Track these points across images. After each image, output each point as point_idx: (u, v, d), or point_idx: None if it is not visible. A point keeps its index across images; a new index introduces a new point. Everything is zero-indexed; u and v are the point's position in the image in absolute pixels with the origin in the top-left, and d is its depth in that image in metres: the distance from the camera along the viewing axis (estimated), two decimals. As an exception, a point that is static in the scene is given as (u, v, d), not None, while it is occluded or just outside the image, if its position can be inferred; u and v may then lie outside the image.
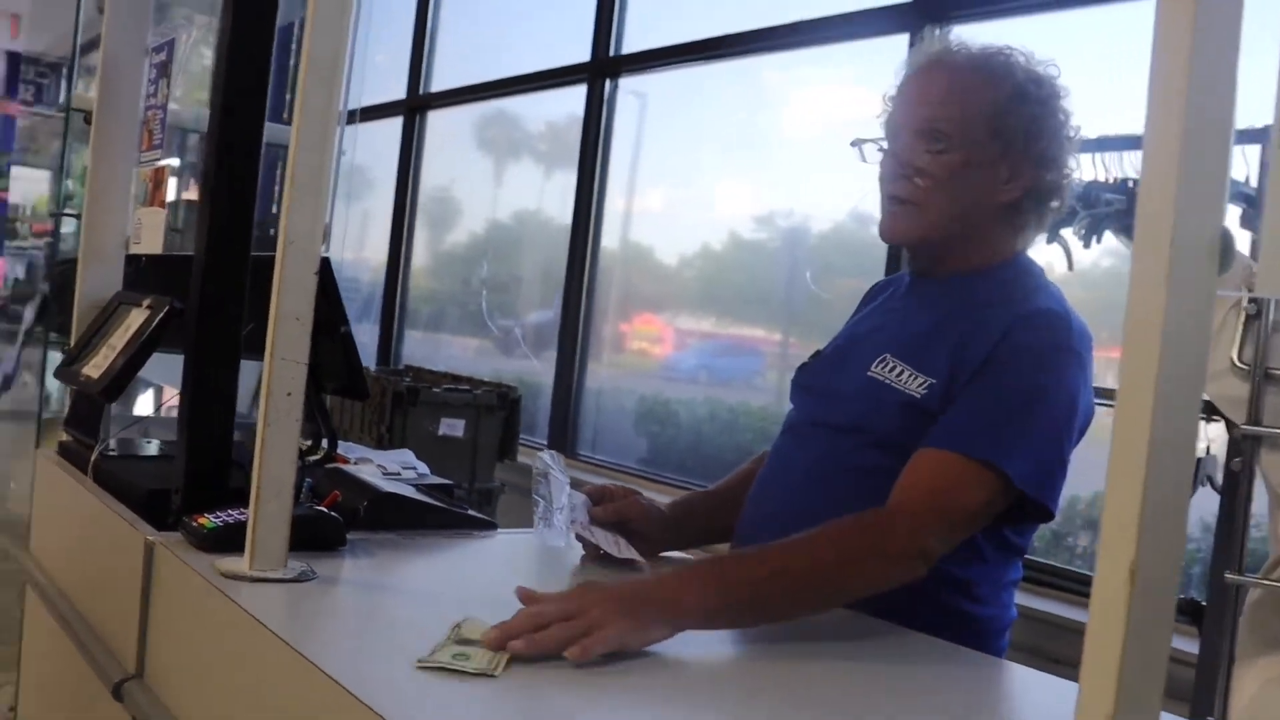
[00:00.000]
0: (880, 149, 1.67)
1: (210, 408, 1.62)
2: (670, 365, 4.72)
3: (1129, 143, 2.16)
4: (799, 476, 1.66)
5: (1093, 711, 0.67)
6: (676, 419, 4.48)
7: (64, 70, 2.92)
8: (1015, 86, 1.59)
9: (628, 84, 4.60)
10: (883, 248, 3.19)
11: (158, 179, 2.04)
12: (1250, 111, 0.88)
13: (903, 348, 1.62)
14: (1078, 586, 2.92)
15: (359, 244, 6.84)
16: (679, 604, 1.29)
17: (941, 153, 1.59)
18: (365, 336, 6.02)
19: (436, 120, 5.77)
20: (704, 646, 1.28)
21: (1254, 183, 1.81)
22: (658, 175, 4.69)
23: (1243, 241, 1.74)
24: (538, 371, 4.95)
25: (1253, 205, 1.71)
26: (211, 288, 1.63)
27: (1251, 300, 1.33)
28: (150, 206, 2.06)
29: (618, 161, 4.64)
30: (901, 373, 1.59)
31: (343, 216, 6.88)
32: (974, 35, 1.71)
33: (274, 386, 1.37)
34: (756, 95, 4.21)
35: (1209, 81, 0.70)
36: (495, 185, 5.74)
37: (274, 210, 6.38)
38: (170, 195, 2.23)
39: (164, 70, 2.07)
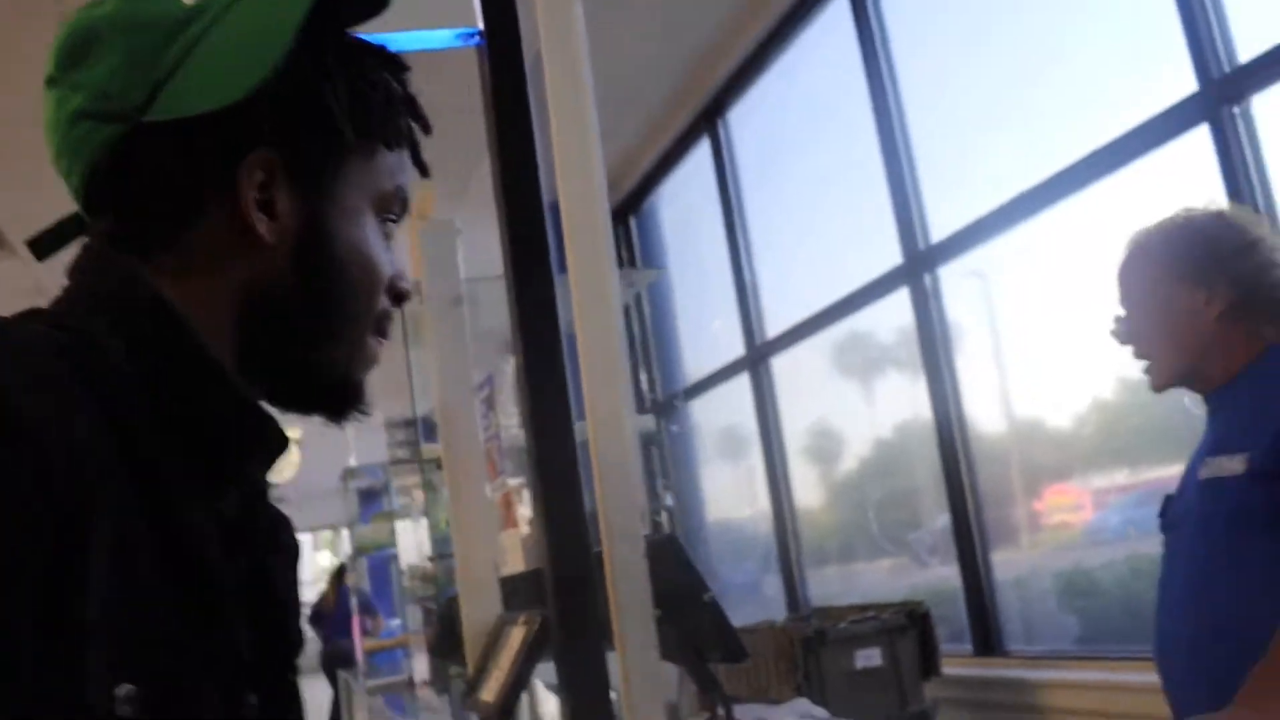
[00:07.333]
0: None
1: (590, 707, 1.66)
2: (1094, 530, 4.47)
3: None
4: (1183, 586, 1.96)
5: None
6: (1100, 586, 4.21)
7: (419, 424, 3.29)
8: (1173, 232, 2.03)
9: (960, 267, 4.54)
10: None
11: (507, 501, 2.17)
12: None
13: (1214, 451, 1.95)
14: None
15: (750, 498, 6.93)
16: None
17: (1137, 313, 2.07)
18: (772, 589, 6.03)
19: (793, 363, 5.86)
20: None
21: None
22: (1023, 345, 4.55)
23: None
24: (952, 577, 4.79)
25: None
26: (563, 593, 1.70)
27: None
28: (507, 529, 2.18)
29: (980, 345, 4.57)
30: (1221, 463, 1.89)
31: (729, 477, 7.05)
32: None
33: (632, 677, 1.40)
34: (1092, 231, 4.04)
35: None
36: (868, 405, 5.74)
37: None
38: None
39: (490, 404, 2.23)
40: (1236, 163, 3.14)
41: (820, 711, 2.01)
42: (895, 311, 4.85)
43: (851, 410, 5.78)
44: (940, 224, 4.58)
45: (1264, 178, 3.12)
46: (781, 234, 6.01)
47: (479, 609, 2.19)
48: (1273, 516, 1.81)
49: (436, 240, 2.42)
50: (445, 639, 2.34)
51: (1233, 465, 1.87)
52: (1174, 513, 2.07)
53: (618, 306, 1.54)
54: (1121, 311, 2.13)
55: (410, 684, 5.05)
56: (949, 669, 3.80)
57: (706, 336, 6.92)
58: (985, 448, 4.64)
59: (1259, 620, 1.72)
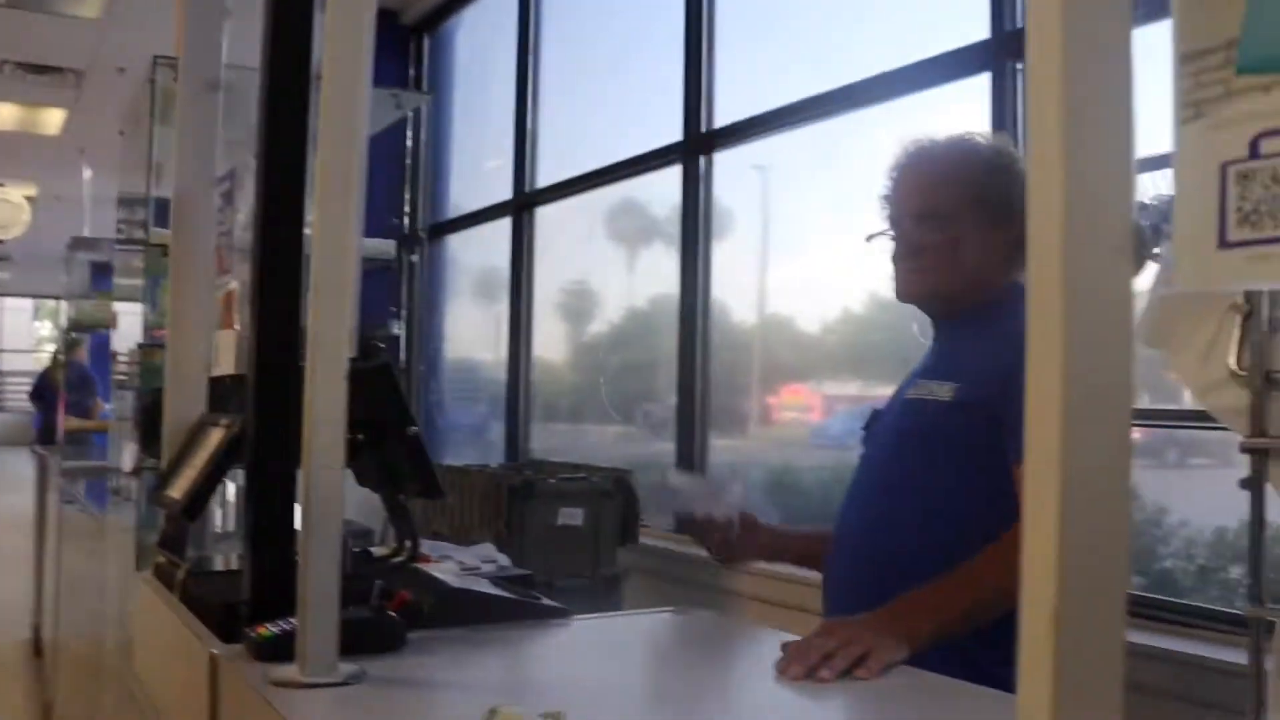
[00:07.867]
0: (889, 237, 2.08)
1: (271, 519, 1.65)
2: (817, 433, 4.65)
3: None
4: (865, 492, 2.07)
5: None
6: (802, 486, 4.41)
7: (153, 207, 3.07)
8: (985, 161, 2.00)
9: (747, 157, 4.59)
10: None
11: (228, 302, 2.10)
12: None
13: (927, 375, 2.02)
14: (1227, 626, 2.75)
15: (494, 344, 6.93)
16: (916, 633, 1.57)
17: (939, 229, 1.98)
18: (497, 435, 6.08)
19: (563, 218, 5.83)
20: None
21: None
22: (791, 244, 4.65)
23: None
24: (673, 453, 4.92)
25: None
26: (263, 401, 1.67)
27: (1247, 300, 1.25)
28: (224, 329, 2.12)
29: (749, 236, 4.63)
30: (931, 387, 1.97)
31: (478, 319, 7.01)
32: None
33: (312, 494, 1.39)
34: (872, 151, 4.15)
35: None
36: (630, 273, 5.77)
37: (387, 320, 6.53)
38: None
39: (229, 199, 2.14)
40: (1008, 116, 3.25)
41: (502, 558, 2.05)
42: (672, 187, 4.88)
43: (612, 276, 5.82)
44: (725, 112, 4.60)
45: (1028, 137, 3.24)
46: (572, 87, 5.94)
47: (183, 405, 2.13)
48: (961, 448, 1.88)
49: (202, 16, 2.28)
50: (147, 431, 2.27)
51: (941, 391, 1.93)
52: (877, 427, 2.14)
53: (362, 121, 1.49)
54: (906, 223, 2.04)
55: (107, 470, 4.90)
56: (647, 539, 3.92)
57: (478, 174, 6.81)
58: (733, 337, 4.76)
59: (923, 544, 1.85)
